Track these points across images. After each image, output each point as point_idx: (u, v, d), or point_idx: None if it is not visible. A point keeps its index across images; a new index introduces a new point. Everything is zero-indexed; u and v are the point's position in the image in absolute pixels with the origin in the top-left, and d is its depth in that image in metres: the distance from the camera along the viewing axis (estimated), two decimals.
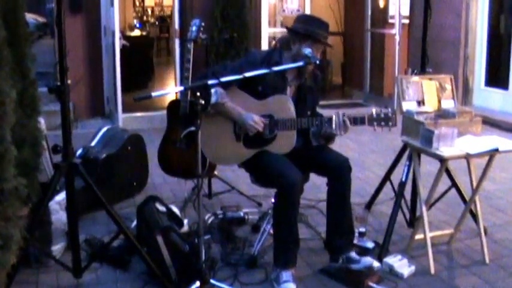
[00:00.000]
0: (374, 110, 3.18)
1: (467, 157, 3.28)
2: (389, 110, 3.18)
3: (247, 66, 3.13)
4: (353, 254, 3.26)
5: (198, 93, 2.80)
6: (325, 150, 3.34)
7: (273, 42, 7.98)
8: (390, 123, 3.17)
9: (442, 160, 3.26)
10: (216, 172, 4.41)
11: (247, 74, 2.92)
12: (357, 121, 3.17)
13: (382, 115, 3.16)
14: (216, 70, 3.21)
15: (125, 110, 7.09)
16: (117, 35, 6.96)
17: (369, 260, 3.21)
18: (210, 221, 3.92)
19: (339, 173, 3.24)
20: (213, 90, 3.05)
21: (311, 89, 3.40)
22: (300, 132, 3.27)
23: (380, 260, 3.34)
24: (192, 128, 2.85)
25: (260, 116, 3.21)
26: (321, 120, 3.20)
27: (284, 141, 3.24)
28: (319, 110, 3.54)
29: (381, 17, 8.90)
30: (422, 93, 3.69)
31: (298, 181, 3.08)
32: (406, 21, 8.33)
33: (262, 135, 3.23)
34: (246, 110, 3.20)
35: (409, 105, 3.63)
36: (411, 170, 3.54)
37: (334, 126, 3.15)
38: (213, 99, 3.08)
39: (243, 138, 3.25)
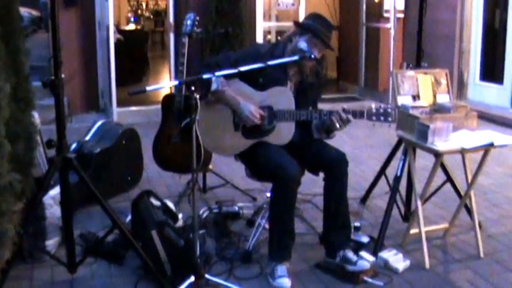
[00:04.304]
0: (374, 105, 3.17)
1: (463, 151, 3.29)
2: (389, 105, 3.16)
3: (249, 58, 3.13)
4: (350, 255, 3.22)
5: (193, 88, 2.80)
6: (321, 145, 3.34)
7: (268, 36, 7.98)
8: (390, 119, 3.15)
9: (437, 155, 3.26)
10: (210, 166, 4.41)
11: (242, 69, 2.92)
12: (356, 115, 3.17)
13: (382, 110, 3.15)
14: (219, 60, 3.25)
15: (119, 104, 7.06)
16: (112, 29, 6.94)
17: (365, 264, 3.18)
18: (204, 215, 3.92)
19: (336, 168, 3.24)
20: (213, 78, 3.05)
21: (312, 85, 3.38)
22: (298, 126, 3.27)
23: (375, 254, 3.35)
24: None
25: (259, 106, 3.21)
26: (320, 112, 3.19)
27: (282, 132, 3.24)
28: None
29: (376, 11, 8.88)
30: (418, 88, 3.68)
31: (296, 173, 3.09)
32: (401, 15, 8.33)
33: (261, 125, 3.23)
34: (246, 101, 3.20)
35: (404, 100, 3.62)
36: (406, 165, 3.54)
37: (334, 119, 3.15)
38: (214, 86, 3.11)
39: (242, 128, 3.25)
